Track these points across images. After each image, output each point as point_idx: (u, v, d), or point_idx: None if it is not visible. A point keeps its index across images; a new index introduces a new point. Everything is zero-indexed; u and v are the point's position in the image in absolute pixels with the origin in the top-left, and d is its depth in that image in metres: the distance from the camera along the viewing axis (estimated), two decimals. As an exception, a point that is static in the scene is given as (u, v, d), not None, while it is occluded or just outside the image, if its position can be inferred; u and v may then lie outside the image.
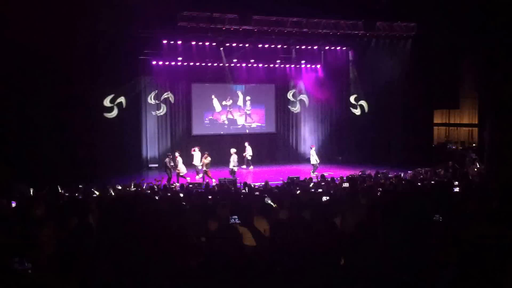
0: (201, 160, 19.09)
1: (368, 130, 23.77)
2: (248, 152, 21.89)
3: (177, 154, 18.97)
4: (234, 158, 19.54)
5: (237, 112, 24.11)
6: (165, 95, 23.03)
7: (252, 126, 24.30)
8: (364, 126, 24.01)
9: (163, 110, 22.94)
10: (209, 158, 18.82)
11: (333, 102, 25.08)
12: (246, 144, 21.98)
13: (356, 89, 24.28)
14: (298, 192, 11.05)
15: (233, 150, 19.78)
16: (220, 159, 21.57)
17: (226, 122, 24.01)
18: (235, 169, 19.27)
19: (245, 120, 24.23)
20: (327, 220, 5.62)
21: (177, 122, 23.32)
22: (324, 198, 8.53)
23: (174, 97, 23.15)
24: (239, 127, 24.13)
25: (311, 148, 21.37)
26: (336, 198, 8.71)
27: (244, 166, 21.34)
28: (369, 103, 24.10)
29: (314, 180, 14.77)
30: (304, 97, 25.32)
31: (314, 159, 20.48)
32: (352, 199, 7.29)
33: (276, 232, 5.14)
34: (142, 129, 22.25)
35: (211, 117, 23.80)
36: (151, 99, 22.69)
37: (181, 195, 11.16)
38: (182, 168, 18.79)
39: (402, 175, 15.59)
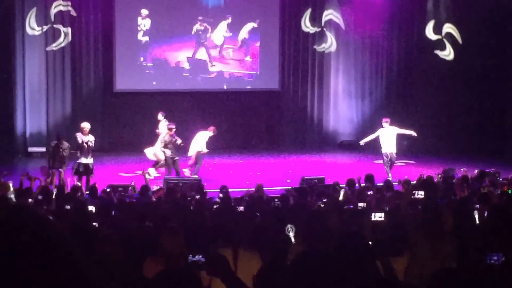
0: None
1: (461, 91, 20.19)
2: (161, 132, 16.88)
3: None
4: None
5: (213, 48, 20.15)
6: (58, 5, 18.53)
7: (235, 76, 20.65)
8: (455, 83, 20.34)
9: (62, 40, 18.62)
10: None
11: (396, 33, 21.26)
12: (161, 116, 16.66)
13: (438, 11, 20.86)
14: (322, 206, 9.15)
15: None
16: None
17: (186, 66, 19.83)
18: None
19: (222, 62, 20.30)
20: (373, 263, 4.26)
21: (85, 65, 19.30)
22: (375, 218, 7.11)
23: (78, 13, 18.77)
24: (211, 76, 20.17)
25: (384, 125, 15.92)
26: (397, 221, 6.90)
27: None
28: (463, 34, 20.43)
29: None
30: (336, 18, 20.99)
31: (390, 144, 15.53)
32: (428, 223, 5.60)
33: (269, 280, 4.30)
34: (15, 81, 18.41)
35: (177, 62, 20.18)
36: (30, 25, 18.30)
37: (92, 208, 8.93)
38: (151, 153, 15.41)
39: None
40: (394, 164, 15.65)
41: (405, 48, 21.10)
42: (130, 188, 11.99)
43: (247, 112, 20.31)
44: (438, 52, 20.59)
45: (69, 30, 18.48)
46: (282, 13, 20.33)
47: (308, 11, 20.60)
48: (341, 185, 11.56)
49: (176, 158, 14.21)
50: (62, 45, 18.50)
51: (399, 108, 20.65)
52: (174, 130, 14.46)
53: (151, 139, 17.46)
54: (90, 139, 13.33)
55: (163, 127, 16.17)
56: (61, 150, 13.54)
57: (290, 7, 20.35)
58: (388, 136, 15.45)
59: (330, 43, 20.96)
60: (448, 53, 20.63)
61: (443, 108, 20.18)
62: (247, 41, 20.23)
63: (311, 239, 4.83)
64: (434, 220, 5.53)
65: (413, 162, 17.34)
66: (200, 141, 14.79)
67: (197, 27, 19.60)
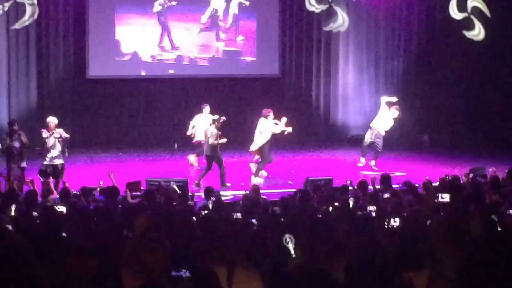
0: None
1: (491, 76, 19.55)
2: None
3: None
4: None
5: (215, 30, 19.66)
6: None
7: (220, 59, 20.17)
8: (484, 66, 19.65)
9: (28, 16, 17.75)
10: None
11: (416, 9, 20.35)
12: (208, 108, 16.83)
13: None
14: (330, 210, 9.29)
15: None
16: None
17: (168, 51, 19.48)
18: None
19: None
20: (391, 280, 4.32)
21: (53, 47, 18.50)
22: (391, 225, 7.54)
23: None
24: (206, 62, 19.77)
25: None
26: (417, 229, 6.66)
27: None
28: (493, 11, 19.36)
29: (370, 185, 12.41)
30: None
31: (373, 134, 16.24)
32: (454, 232, 5.68)
33: None
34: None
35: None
36: None
37: (62, 208, 9.19)
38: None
39: None
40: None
41: (425, 27, 20.27)
42: (98, 189, 12.04)
43: (241, 102, 19.56)
44: (465, 32, 19.79)
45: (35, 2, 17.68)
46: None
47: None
48: (353, 187, 11.69)
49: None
50: (26, 23, 17.63)
51: (418, 96, 20.11)
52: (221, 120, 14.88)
53: (130, 132, 17.56)
54: (59, 132, 12.71)
55: (204, 121, 16.04)
56: (13, 139, 12.75)
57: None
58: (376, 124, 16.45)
59: (340, 21, 19.96)
60: (477, 33, 19.72)
61: (469, 96, 19.70)
62: (238, 16, 19.46)
63: (314, 251, 4.75)
64: (461, 228, 5.62)
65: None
66: (262, 132, 15.21)
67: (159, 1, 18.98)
